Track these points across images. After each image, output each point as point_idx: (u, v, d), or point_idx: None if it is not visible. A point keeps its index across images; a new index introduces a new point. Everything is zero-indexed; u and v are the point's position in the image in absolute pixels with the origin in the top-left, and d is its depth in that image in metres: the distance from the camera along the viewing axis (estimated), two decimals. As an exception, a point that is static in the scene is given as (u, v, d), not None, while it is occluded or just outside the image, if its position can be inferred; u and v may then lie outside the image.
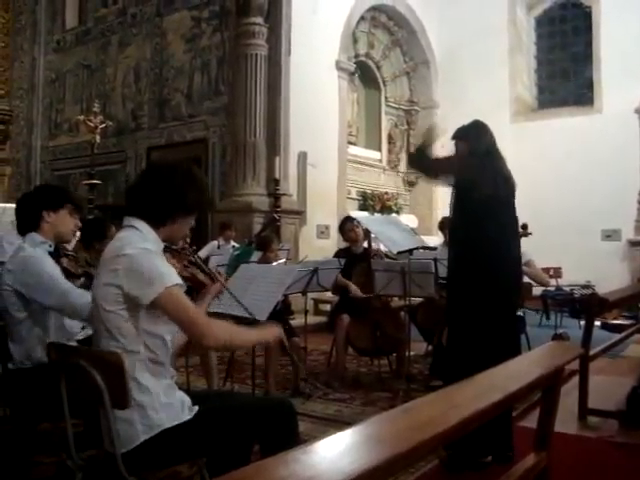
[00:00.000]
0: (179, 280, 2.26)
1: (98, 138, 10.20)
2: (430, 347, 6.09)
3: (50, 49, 13.61)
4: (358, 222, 5.85)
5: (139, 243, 2.26)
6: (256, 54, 9.69)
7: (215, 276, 2.73)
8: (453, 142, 3.81)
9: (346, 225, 5.98)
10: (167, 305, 2.20)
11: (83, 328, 3.48)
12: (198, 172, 2.53)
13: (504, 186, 3.62)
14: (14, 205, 3.40)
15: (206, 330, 2.23)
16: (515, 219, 3.73)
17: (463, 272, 3.61)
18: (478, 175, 3.54)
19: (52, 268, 3.05)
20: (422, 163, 4.01)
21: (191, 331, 2.26)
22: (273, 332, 2.57)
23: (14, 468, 3.25)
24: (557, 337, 2.75)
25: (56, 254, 3.26)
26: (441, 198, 12.50)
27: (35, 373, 2.98)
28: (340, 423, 4.40)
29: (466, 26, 12.56)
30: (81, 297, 2.99)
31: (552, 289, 9.32)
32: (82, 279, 3.50)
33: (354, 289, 5.61)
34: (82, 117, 10.58)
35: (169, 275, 2.23)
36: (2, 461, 3.36)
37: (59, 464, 2.96)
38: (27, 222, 3.20)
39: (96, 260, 3.70)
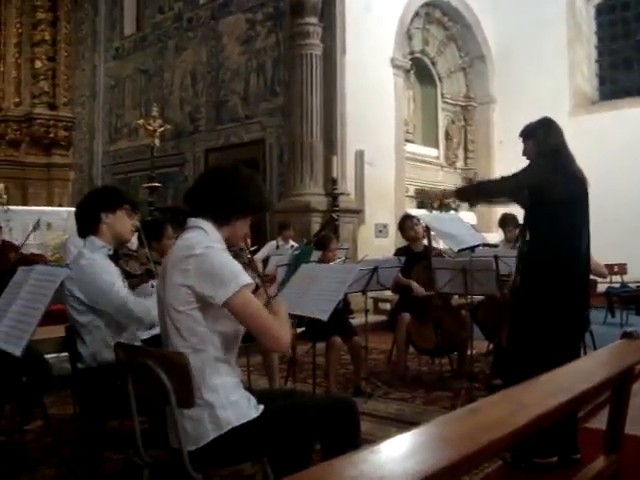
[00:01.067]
0: (250, 280, 2.28)
1: (157, 141, 10.40)
2: (491, 345, 6.00)
3: (110, 56, 13.95)
4: (418, 220, 5.80)
5: (206, 242, 2.30)
6: (311, 54, 9.71)
7: (265, 281, 2.75)
8: (520, 139, 3.76)
9: (406, 223, 5.93)
10: (238, 309, 2.23)
11: (151, 327, 3.54)
12: (256, 175, 2.60)
13: (577, 185, 3.55)
14: (78, 209, 3.50)
15: (280, 337, 2.26)
16: (587, 218, 3.64)
17: (533, 272, 3.55)
18: (550, 176, 3.48)
19: (109, 275, 3.10)
20: (484, 191, 3.94)
21: (265, 338, 2.28)
22: None
23: (84, 464, 3.34)
24: (627, 335, 2.64)
25: (115, 257, 3.32)
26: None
27: (102, 373, 3.05)
28: (402, 423, 4.39)
29: (522, 18, 12.31)
30: (139, 305, 3.05)
31: (617, 286, 9.08)
32: (144, 277, 3.55)
33: (416, 287, 5.55)
34: (141, 121, 10.82)
35: (241, 274, 2.25)
36: (73, 457, 3.47)
37: (127, 460, 3.03)
38: (86, 225, 3.27)
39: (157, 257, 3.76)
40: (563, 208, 3.47)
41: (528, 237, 3.67)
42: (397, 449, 1.26)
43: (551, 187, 3.46)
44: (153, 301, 3.04)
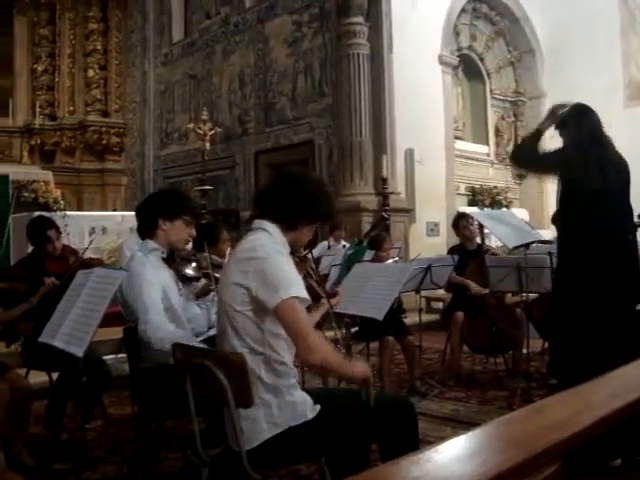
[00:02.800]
0: (304, 293, 2.27)
1: (208, 145, 10.51)
2: (547, 344, 5.90)
3: (159, 62, 14.18)
4: (472, 218, 5.72)
5: (270, 245, 2.31)
6: (358, 53, 9.69)
7: (327, 294, 2.75)
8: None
9: (460, 222, 5.86)
10: (284, 314, 2.21)
11: (210, 328, 3.57)
12: (323, 181, 2.61)
13: (615, 176, 3.43)
14: (132, 213, 3.55)
15: (315, 347, 2.20)
16: (629, 209, 3.52)
17: (570, 266, 3.46)
18: (583, 166, 3.37)
19: (153, 291, 3.06)
20: (524, 157, 3.86)
21: (301, 344, 2.23)
22: (363, 371, 2.45)
23: (144, 462, 3.40)
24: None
25: (170, 259, 3.34)
26: (552, 190, 12.03)
27: (160, 373, 3.09)
28: (457, 422, 4.37)
29: (572, 9, 12.00)
30: (157, 329, 2.97)
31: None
32: (203, 281, 3.55)
33: (474, 287, 5.47)
34: (192, 125, 10.96)
35: (296, 285, 2.24)
36: (133, 455, 3.53)
37: (185, 459, 3.06)
38: (145, 227, 3.31)
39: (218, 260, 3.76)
40: (598, 200, 3.36)
41: (562, 230, 3.58)
42: (461, 449, 1.24)
43: (583, 181, 3.36)
44: (176, 333, 3.02)
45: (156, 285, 3.11)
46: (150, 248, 3.22)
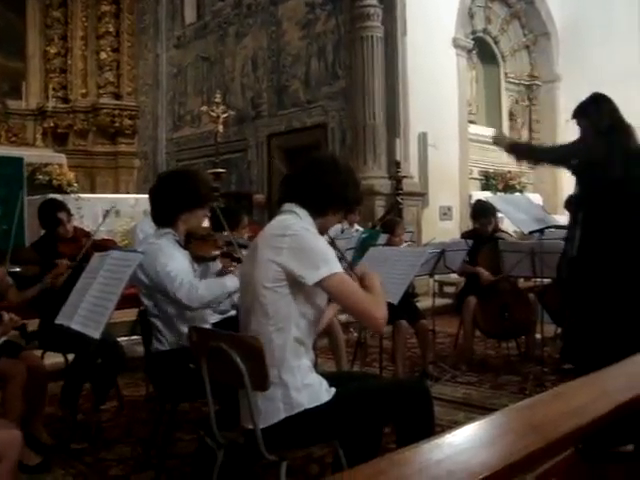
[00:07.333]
0: (341, 269, 2.31)
1: (221, 128, 10.49)
2: (559, 329, 5.89)
3: (171, 45, 14.11)
4: (494, 214, 5.60)
5: (300, 224, 2.35)
6: (372, 36, 9.59)
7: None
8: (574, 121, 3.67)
9: (481, 220, 5.72)
10: (334, 290, 2.27)
11: (234, 306, 3.57)
12: (352, 167, 2.68)
13: (637, 164, 3.42)
14: (145, 195, 3.53)
15: (377, 316, 2.29)
16: None
17: (589, 252, 3.46)
18: (605, 155, 3.37)
19: (165, 257, 3.10)
20: (534, 156, 3.96)
21: (363, 318, 2.38)
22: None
23: (158, 443, 3.43)
24: None
25: (187, 240, 3.33)
26: (566, 176, 11.96)
27: (175, 356, 3.11)
28: (469, 407, 4.39)
29: (589, -10, 11.86)
30: (184, 287, 3.00)
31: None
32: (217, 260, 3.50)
33: (483, 273, 5.44)
34: (205, 108, 10.94)
35: (335, 262, 2.29)
36: (147, 436, 3.57)
37: (199, 441, 3.09)
38: (163, 220, 3.30)
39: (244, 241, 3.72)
40: (619, 188, 3.36)
41: (581, 217, 3.58)
42: (483, 433, 1.25)
43: (605, 168, 3.35)
44: (206, 283, 3.08)
45: (180, 256, 3.15)
46: (163, 232, 3.24)
